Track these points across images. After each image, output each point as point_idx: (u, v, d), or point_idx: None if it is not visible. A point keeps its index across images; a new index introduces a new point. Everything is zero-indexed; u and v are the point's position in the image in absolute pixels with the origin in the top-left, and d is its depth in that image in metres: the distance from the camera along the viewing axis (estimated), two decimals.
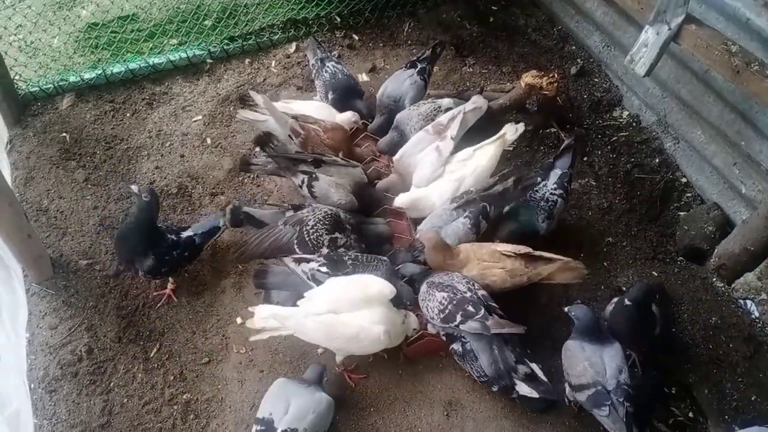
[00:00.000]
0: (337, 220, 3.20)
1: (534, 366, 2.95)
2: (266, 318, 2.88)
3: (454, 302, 2.89)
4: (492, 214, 3.35)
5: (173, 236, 3.17)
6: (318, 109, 3.91)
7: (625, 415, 2.64)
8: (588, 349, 2.82)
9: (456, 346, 3.01)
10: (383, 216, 3.57)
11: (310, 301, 2.87)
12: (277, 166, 3.42)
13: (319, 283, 2.97)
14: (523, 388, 2.88)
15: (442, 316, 2.92)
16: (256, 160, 3.54)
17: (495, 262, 3.10)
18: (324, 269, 2.99)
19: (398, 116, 3.85)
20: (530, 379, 2.90)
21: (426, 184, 3.56)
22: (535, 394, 2.87)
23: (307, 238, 3.12)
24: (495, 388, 2.95)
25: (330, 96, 4.02)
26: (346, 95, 4.04)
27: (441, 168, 3.57)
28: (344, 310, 2.83)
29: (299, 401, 2.68)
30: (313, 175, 3.35)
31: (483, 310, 2.85)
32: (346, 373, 3.08)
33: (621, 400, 2.67)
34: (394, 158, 3.73)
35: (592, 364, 2.76)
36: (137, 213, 3.04)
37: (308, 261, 3.04)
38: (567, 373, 2.90)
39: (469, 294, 2.92)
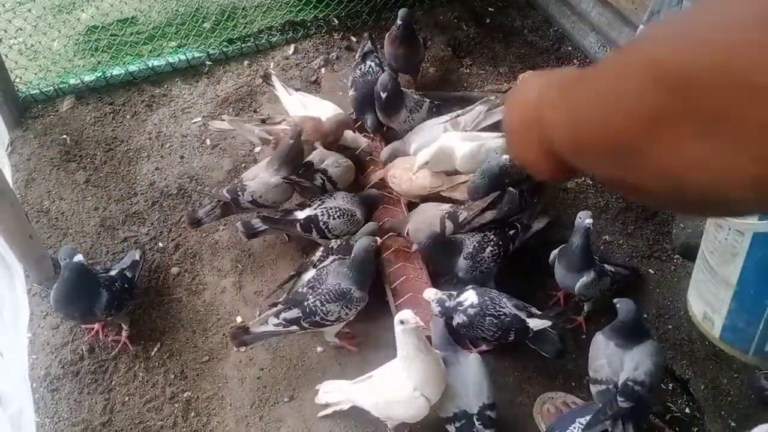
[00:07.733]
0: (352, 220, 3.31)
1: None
2: (328, 392, 2.82)
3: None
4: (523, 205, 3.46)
5: (105, 274, 3.12)
6: (328, 109, 3.81)
7: (618, 415, 2.64)
8: (611, 348, 2.77)
9: (459, 319, 2.92)
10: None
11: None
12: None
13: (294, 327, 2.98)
14: (536, 323, 2.89)
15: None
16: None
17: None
18: (289, 316, 2.94)
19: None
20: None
21: (419, 142, 3.66)
22: (548, 322, 2.88)
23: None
24: (511, 336, 2.93)
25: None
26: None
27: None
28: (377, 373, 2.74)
29: None
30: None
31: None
32: None
33: (621, 399, 2.65)
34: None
35: (610, 363, 2.75)
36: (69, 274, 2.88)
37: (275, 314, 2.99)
38: (589, 364, 2.89)
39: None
